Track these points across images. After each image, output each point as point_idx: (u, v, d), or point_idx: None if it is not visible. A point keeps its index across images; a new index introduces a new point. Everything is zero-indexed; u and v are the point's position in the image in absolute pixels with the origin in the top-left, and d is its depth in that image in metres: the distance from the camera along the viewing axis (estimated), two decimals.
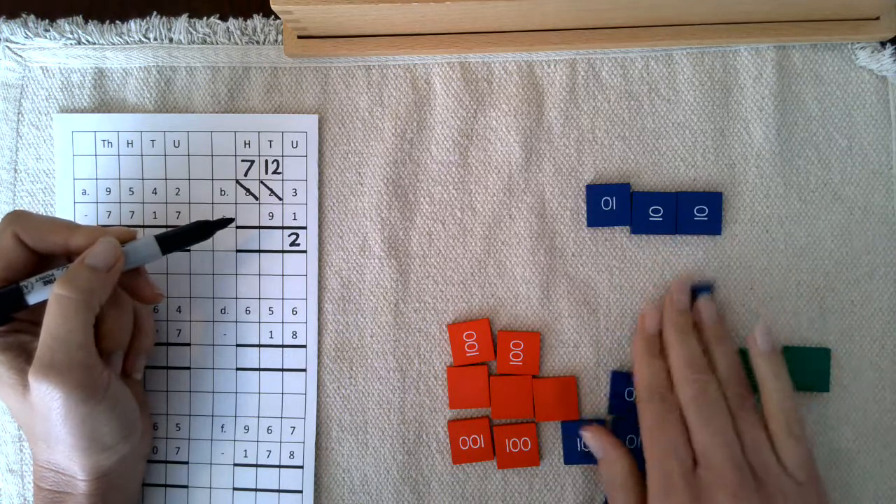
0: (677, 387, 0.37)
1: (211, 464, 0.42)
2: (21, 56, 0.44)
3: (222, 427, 0.42)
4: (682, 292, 0.40)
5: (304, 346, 0.42)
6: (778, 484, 0.35)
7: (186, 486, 0.42)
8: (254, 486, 0.42)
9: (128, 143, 0.43)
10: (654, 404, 0.37)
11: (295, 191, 0.43)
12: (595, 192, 0.41)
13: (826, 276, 0.41)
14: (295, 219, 0.43)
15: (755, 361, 0.38)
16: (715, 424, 0.35)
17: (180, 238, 0.38)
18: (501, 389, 0.41)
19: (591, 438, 0.39)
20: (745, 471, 0.34)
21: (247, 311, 0.43)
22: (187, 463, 0.42)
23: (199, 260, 0.43)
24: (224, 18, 0.43)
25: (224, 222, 0.40)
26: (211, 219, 0.41)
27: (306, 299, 0.42)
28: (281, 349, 0.42)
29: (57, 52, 0.43)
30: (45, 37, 0.43)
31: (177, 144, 0.43)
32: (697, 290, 0.41)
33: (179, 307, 0.43)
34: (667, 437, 0.36)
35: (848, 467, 0.40)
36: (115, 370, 0.36)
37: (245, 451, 0.42)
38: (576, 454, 0.41)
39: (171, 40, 0.43)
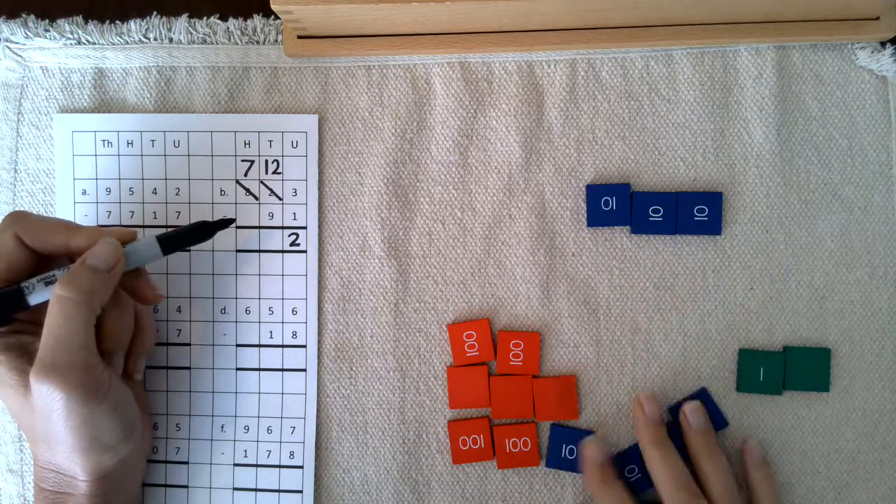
0: None
1: (211, 464, 0.42)
2: (21, 56, 0.44)
3: (222, 427, 0.42)
4: (652, 403, 0.40)
5: (304, 346, 0.42)
6: None
7: (186, 486, 0.42)
8: (254, 486, 0.42)
9: (128, 143, 0.43)
10: None
11: (295, 191, 0.43)
12: (595, 192, 0.41)
13: (826, 276, 0.41)
14: (295, 219, 0.43)
15: (750, 470, 0.39)
16: None
17: (181, 238, 0.38)
18: (501, 389, 0.41)
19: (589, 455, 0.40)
20: None
21: (247, 311, 0.43)
22: (187, 463, 0.42)
23: (199, 260, 0.43)
24: (224, 18, 0.43)
25: (225, 223, 0.40)
26: (211, 219, 0.41)
27: (306, 299, 0.42)
28: (281, 349, 0.42)
29: (57, 52, 0.43)
30: (45, 37, 0.43)
31: (177, 144, 0.43)
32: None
33: (179, 307, 0.43)
34: None
35: (848, 467, 0.40)
36: (115, 371, 0.36)
37: (245, 451, 0.42)
38: (559, 460, 0.41)
39: (171, 40, 0.43)
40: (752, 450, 0.40)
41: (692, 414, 0.39)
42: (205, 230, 0.39)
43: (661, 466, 0.38)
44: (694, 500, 0.37)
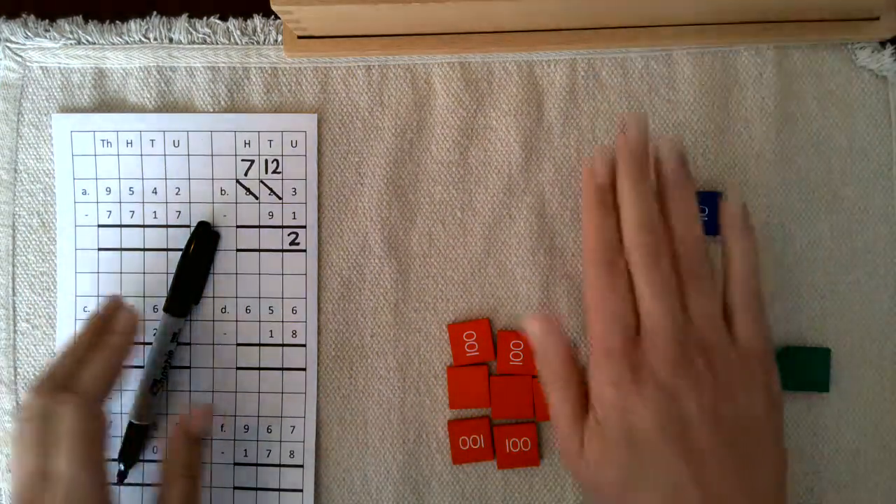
0: (627, 248, 0.33)
1: (211, 463, 0.42)
2: (21, 56, 0.44)
3: (222, 426, 0.42)
4: (639, 127, 0.34)
5: (304, 346, 0.42)
6: (723, 356, 0.32)
7: None
8: (254, 486, 0.42)
9: (127, 143, 0.43)
10: (602, 269, 0.33)
11: (294, 190, 0.43)
12: None
13: (826, 276, 0.41)
14: (294, 218, 0.43)
15: (724, 232, 0.35)
16: (661, 297, 0.32)
17: (181, 288, 0.42)
18: (501, 389, 0.41)
19: (533, 326, 0.36)
20: (688, 342, 0.32)
21: (247, 310, 0.43)
22: None
23: None
24: (224, 18, 0.43)
25: (200, 235, 0.42)
26: (211, 221, 0.42)
27: (306, 298, 0.42)
28: (281, 348, 0.42)
29: (57, 52, 0.43)
30: (45, 37, 0.43)
31: (176, 144, 0.43)
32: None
33: None
34: (611, 303, 0.33)
35: (848, 467, 0.40)
36: None
37: (245, 450, 0.42)
38: None
39: (171, 40, 0.43)
40: (729, 206, 0.34)
41: (666, 146, 0.34)
42: (196, 255, 0.42)
43: (630, 205, 0.33)
44: (654, 239, 0.33)
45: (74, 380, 0.36)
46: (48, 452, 0.34)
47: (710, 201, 0.41)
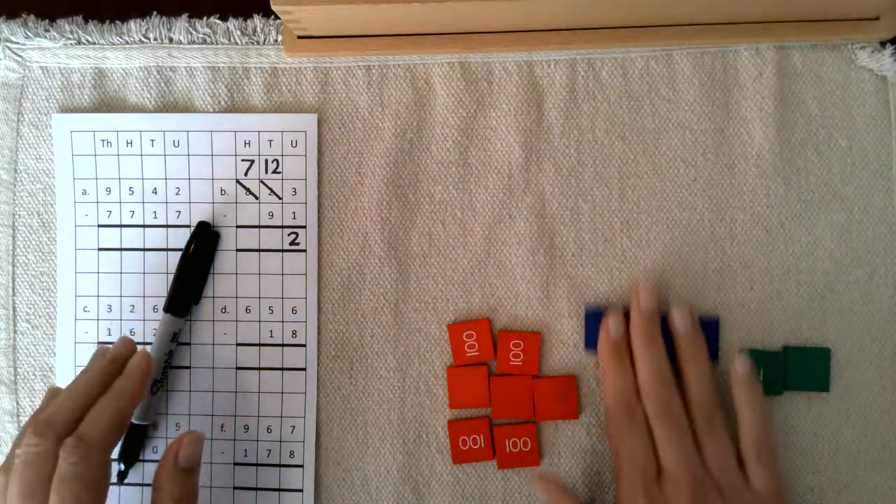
0: (643, 399, 0.38)
1: (211, 463, 0.42)
2: (21, 56, 0.44)
3: (222, 426, 0.43)
4: (649, 296, 0.40)
5: (304, 346, 0.42)
6: (738, 497, 0.36)
7: None
8: (254, 486, 0.42)
9: (127, 143, 0.43)
10: (621, 416, 0.38)
11: (294, 190, 0.43)
12: (594, 319, 0.41)
13: (826, 276, 0.41)
14: (294, 218, 0.43)
15: (734, 387, 0.39)
16: (676, 441, 0.37)
17: (183, 288, 0.42)
18: (501, 389, 0.41)
19: (542, 491, 0.39)
20: (706, 486, 0.36)
21: (247, 310, 0.43)
22: None
23: None
24: (224, 18, 0.43)
25: (200, 235, 0.42)
26: (211, 221, 0.42)
27: (306, 298, 0.42)
28: (281, 348, 0.42)
29: (57, 52, 0.43)
30: (45, 37, 0.43)
31: (177, 144, 0.43)
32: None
33: None
34: (632, 448, 0.37)
35: (848, 467, 0.40)
36: None
37: (245, 450, 0.42)
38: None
39: (171, 40, 0.43)
40: (737, 365, 0.39)
41: (679, 320, 0.39)
42: (195, 256, 0.42)
43: (644, 359, 0.38)
44: (666, 391, 0.37)
45: (81, 425, 0.34)
46: (44, 496, 0.32)
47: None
